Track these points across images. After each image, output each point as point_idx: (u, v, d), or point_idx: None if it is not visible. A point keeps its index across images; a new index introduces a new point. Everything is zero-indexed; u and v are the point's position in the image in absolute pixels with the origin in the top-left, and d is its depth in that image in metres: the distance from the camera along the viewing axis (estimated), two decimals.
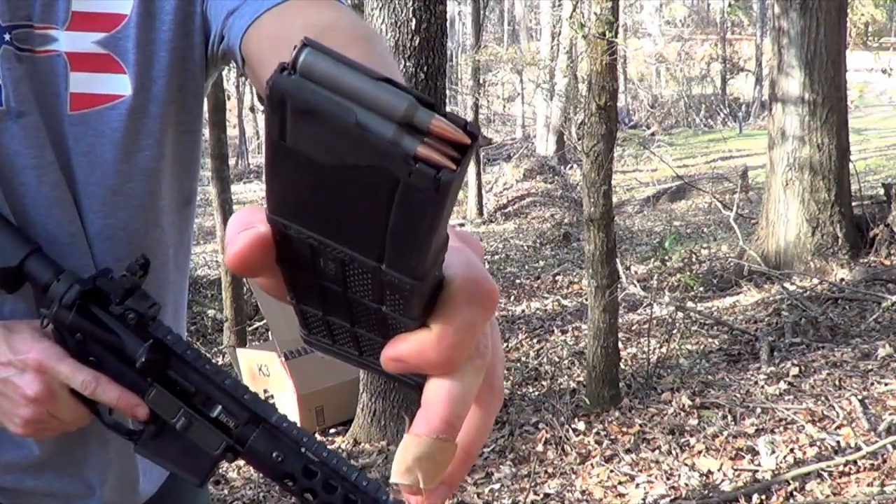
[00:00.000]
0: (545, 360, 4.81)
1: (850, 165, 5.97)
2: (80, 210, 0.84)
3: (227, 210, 5.28)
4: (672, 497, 2.94)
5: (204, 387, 0.77)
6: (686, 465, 3.14)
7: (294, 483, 0.73)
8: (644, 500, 2.94)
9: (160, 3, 0.83)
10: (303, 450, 0.74)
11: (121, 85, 0.82)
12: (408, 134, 0.29)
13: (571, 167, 15.32)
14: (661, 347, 4.61)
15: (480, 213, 12.40)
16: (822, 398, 3.60)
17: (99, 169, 0.84)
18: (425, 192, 0.29)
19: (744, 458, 3.14)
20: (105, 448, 0.93)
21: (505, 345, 5.20)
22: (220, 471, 3.67)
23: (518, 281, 7.49)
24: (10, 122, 0.80)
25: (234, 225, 0.35)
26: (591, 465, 3.24)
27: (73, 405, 0.79)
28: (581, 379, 4.21)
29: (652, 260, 6.78)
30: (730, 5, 22.98)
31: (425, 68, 3.55)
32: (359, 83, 0.29)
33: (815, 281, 5.46)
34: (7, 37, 0.79)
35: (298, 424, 0.76)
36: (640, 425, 3.52)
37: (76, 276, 0.78)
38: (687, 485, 2.99)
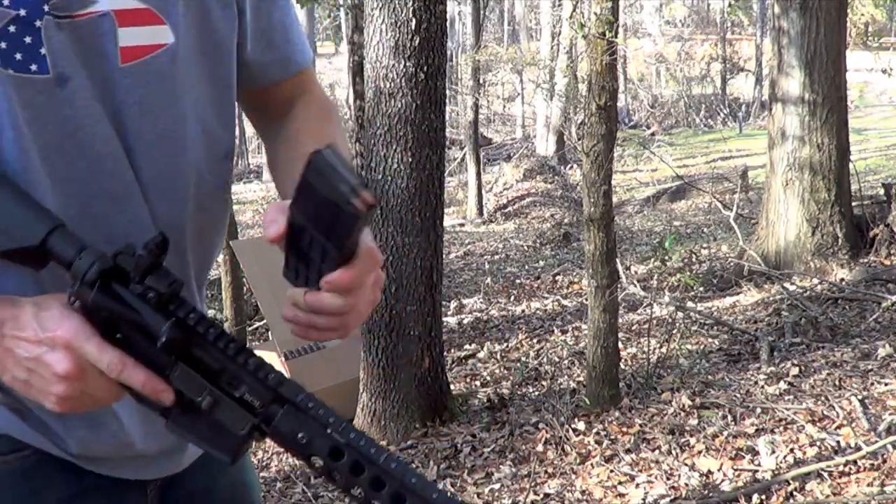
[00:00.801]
0: (545, 360, 4.81)
1: (850, 165, 5.97)
2: (132, 160, 0.89)
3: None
4: (672, 497, 2.94)
5: (228, 366, 0.77)
6: (686, 465, 3.14)
7: (322, 463, 0.74)
8: (644, 500, 2.94)
9: None
10: (329, 431, 0.74)
11: (162, 35, 0.89)
12: (353, 194, 0.69)
13: (571, 167, 15.32)
14: (661, 347, 4.61)
15: (480, 213, 12.40)
16: (822, 398, 3.60)
17: (150, 115, 0.89)
18: (353, 217, 0.70)
19: (744, 458, 3.14)
20: None
21: (505, 345, 5.20)
22: None
23: (518, 281, 7.49)
24: (58, 89, 0.83)
25: (270, 215, 0.79)
26: (591, 465, 3.24)
27: (103, 383, 0.80)
28: (581, 379, 4.21)
29: (652, 260, 6.78)
30: (730, 5, 22.97)
31: (425, 68, 3.55)
32: (342, 173, 0.70)
33: (815, 281, 5.46)
34: (46, 7, 0.82)
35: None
36: (640, 425, 3.52)
37: (98, 254, 0.79)
38: (687, 485, 2.99)
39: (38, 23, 0.82)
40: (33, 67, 0.82)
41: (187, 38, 0.90)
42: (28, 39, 0.82)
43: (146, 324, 0.77)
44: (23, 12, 0.81)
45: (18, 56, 0.81)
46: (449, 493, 0.81)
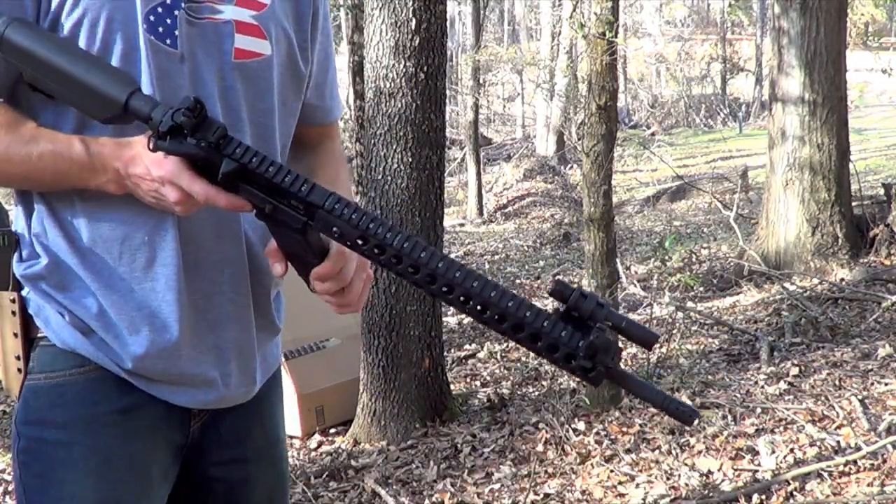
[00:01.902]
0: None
1: (850, 165, 5.97)
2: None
3: None
4: (672, 497, 2.94)
5: (273, 184, 1.00)
6: (686, 465, 3.14)
7: (356, 249, 0.99)
8: (644, 500, 2.94)
9: (285, 4, 1.21)
10: (352, 224, 0.98)
11: (264, 47, 1.18)
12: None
13: (571, 167, 15.32)
14: (661, 347, 4.61)
15: (480, 213, 12.40)
16: (822, 398, 3.60)
17: (247, 102, 1.17)
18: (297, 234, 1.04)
19: (744, 458, 3.14)
20: (240, 334, 1.19)
21: (505, 345, 5.20)
22: None
23: (518, 281, 7.49)
24: (181, 63, 1.11)
25: (271, 257, 1.12)
26: (591, 465, 3.24)
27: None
28: None
29: (652, 260, 6.79)
30: (730, 5, 22.98)
31: (425, 68, 3.55)
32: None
33: (815, 281, 5.45)
34: (183, 4, 1.11)
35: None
36: (640, 425, 3.52)
37: (164, 111, 1.00)
38: (687, 485, 2.99)
39: (177, 11, 1.10)
40: (168, 41, 1.09)
41: (279, 56, 1.20)
42: (168, 21, 1.10)
43: (212, 162, 1.00)
44: (168, 1, 1.09)
45: (161, 29, 1.09)
46: (448, 261, 0.97)
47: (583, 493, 3.05)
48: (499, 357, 4.96)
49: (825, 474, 2.91)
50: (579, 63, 12.75)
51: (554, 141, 16.52)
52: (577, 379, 1.00)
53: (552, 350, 0.94)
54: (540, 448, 3.43)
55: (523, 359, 4.85)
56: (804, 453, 3.10)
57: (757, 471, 3.03)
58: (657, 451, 3.26)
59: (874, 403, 3.50)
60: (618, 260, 4.02)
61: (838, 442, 3.14)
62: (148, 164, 1.03)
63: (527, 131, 20.29)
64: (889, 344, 4.13)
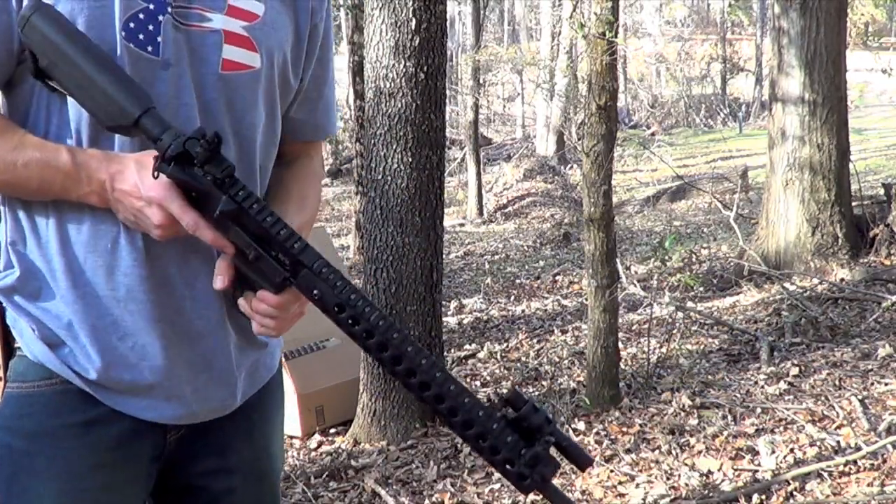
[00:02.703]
0: (545, 360, 4.81)
1: (850, 165, 5.96)
2: None
3: None
4: (672, 497, 2.94)
5: (266, 233, 1.02)
6: (686, 465, 3.14)
7: (331, 315, 1.01)
8: (644, 500, 2.94)
9: (280, 17, 1.18)
10: (335, 291, 1.01)
11: (254, 60, 1.15)
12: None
13: (571, 167, 15.32)
14: (661, 347, 4.61)
15: (480, 213, 12.39)
16: (822, 398, 3.60)
17: (231, 114, 1.14)
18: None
19: (744, 458, 3.14)
20: (215, 348, 1.17)
21: (505, 345, 5.20)
22: None
23: (518, 281, 7.49)
24: (162, 70, 1.08)
25: (218, 269, 1.12)
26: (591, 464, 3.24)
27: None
28: (581, 379, 4.21)
29: (652, 260, 6.78)
30: (730, 5, 22.98)
31: (425, 68, 3.55)
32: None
33: (815, 281, 5.45)
34: (169, 10, 1.08)
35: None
36: (640, 425, 3.52)
37: (176, 134, 1.01)
38: (687, 485, 2.99)
39: (161, 17, 1.08)
40: (149, 49, 1.07)
41: (268, 70, 1.17)
42: (151, 27, 1.07)
43: (209, 197, 1.01)
44: (151, 6, 1.07)
45: (141, 36, 1.07)
46: (427, 356, 1.00)
47: (583, 493, 3.05)
48: (499, 357, 4.96)
49: (825, 474, 2.91)
50: (579, 63, 12.75)
51: (554, 141, 16.51)
52: (508, 481, 1.00)
53: (494, 452, 0.98)
54: None
55: (523, 359, 4.85)
56: (804, 453, 3.10)
57: (757, 471, 3.03)
58: (657, 451, 3.26)
59: (874, 403, 3.50)
60: (618, 260, 4.01)
61: (838, 442, 3.14)
62: (138, 182, 1.03)
63: (527, 131, 20.29)
64: (889, 344, 4.13)
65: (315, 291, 1.01)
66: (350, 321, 1.00)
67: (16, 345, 1.14)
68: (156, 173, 1.02)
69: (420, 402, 1.04)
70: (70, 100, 1.07)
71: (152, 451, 1.19)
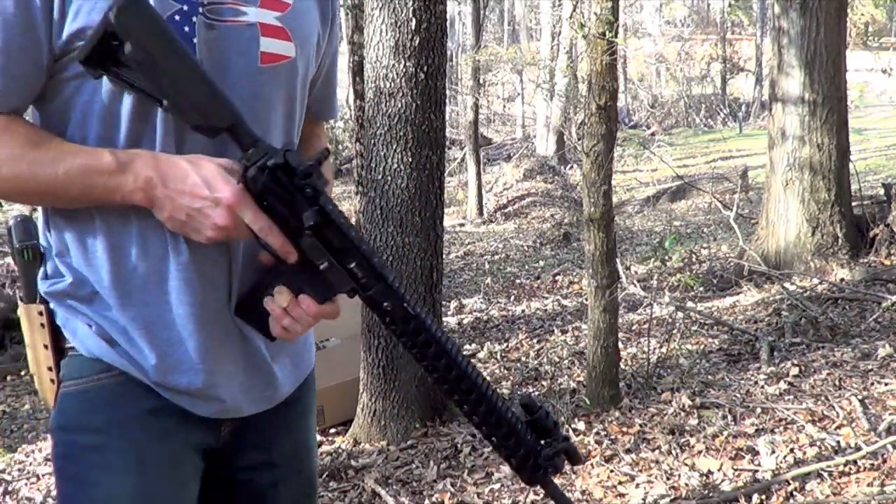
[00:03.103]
0: (545, 360, 4.81)
1: (850, 165, 5.96)
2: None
3: None
4: (672, 497, 2.94)
5: (348, 247, 1.07)
6: (686, 465, 3.14)
7: (395, 326, 1.09)
8: (644, 500, 2.94)
9: (307, 2, 1.20)
10: (405, 305, 1.08)
11: (289, 49, 1.16)
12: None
13: (571, 167, 15.32)
14: (661, 347, 4.61)
15: (480, 213, 12.39)
16: (822, 398, 3.60)
17: (272, 107, 1.15)
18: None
19: (744, 458, 3.14)
20: (251, 345, 1.19)
21: (505, 345, 5.20)
22: None
23: (518, 281, 7.49)
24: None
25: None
26: (591, 465, 3.24)
27: (244, 232, 1.07)
28: (581, 379, 4.21)
29: (652, 260, 6.78)
30: (730, 5, 22.98)
31: (425, 68, 3.54)
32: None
33: (815, 281, 5.45)
34: (201, 10, 1.07)
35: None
36: (640, 425, 3.52)
37: (268, 147, 1.05)
38: (687, 485, 2.99)
39: (194, 18, 1.07)
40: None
41: (301, 57, 1.18)
42: (186, 29, 1.06)
43: (297, 207, 1.05)
44: (185, 7, 1.06)
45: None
46: (469, 363, 1.12)
47: (583, 493, 3.05)
48: (499, 357, 4.96)
49: (825, 474, 2.91)
50: (579, 63, 12.75)
51: (554, 141, 16.51)
52: (515, 471, 1.15)
53: (518, 448, 1.13)
54: None
55: (523, 359, 4.85)
56: (804, 453, 3.10)
57: (757, 471, 3.03)
58: (657, 451, 3.26)
59: (874, 403, 3.50)
60: (618, 260, 4.01)
61: (838, 442, 3.14)
62: (200, 182, 1.03)
63: (527, 131, 20.28)
64: (889, 344, 4.12)
65: (386, 304, 1.08)
66: (420, 336, 1.09)
67: (67, 345, 1.14)
68: (241, 179, 1.03)
69: (466, 413, 1.13)
70: (129, 98, 1.05)
71: (211, 441, 1.21)
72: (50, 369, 1.15)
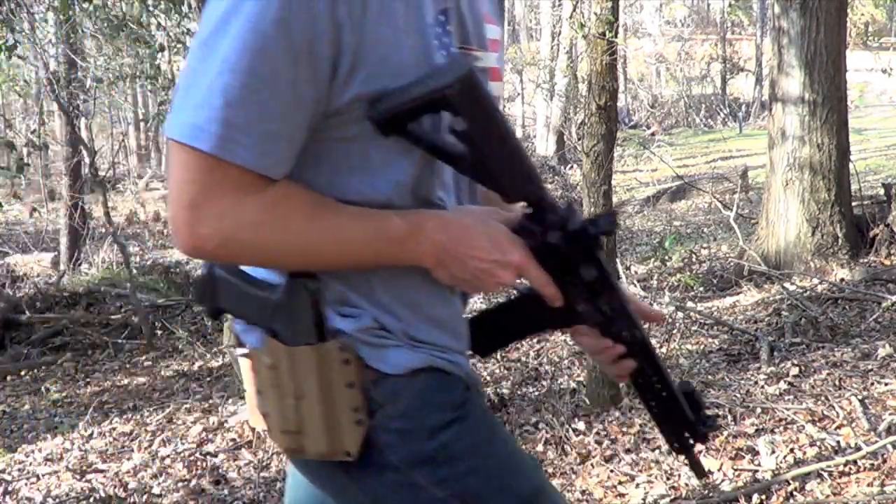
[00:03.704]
0: (545, 360, 4.81)
1: (850, 165, 5.97)
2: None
3: None
4: (672, 497, 2.94)
5: (608, 294, 1.14)
6: (686, 465, 3.13)
7: (625, 343, 1.19)
8: (644, 500, 2.94)
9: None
10: (635, 329, 1.19)
11: (500, 89, 1.18)
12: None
13: (571, 167, 15.32)
14: (661, 347, 4.61)
15: None
16: (822, 398, 3.60)
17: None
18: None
19: (744, 458, 3.14)
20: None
21: None
22: (220, 470, 3.67)
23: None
24: None
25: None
26: (591, 465, 3.24)
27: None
28: (581, 379, 4.21)
29: (652, 260, 6.79)
30: (730, 5, 23.00)
31: None
32: None
33: (815, 281, 5.45)
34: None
35: None
36: (640, 425, 3.52)
37: (556, 206, 1.09)
38: (687, 485, 2.99)
39: None
40: None
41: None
42: None
43: (580, 267, 1.11)
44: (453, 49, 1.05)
45: None
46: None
47: (583, 493, 3.05)
48: (498, 357, 4.96)
49: (825, 474, 2.91)
50: (579, 63, 12.76)
51: (554, 141, 16.52)
52: (682, 446, 1.35)
53: (689, 423, 1.31)
54: (540, 448, 3.43)
55: (523, 359, 4.85)
56: (804, 453, 3.10)
57: (757, 471, 3.03)
58: (657, 451, 3.26)
59: (874, 403, 3.50)
60: (618, 260, 4.02)
61: (838, 442, 3.14)
62: (490, 246, 1.06)
63: (527, 131, 20.29)
64: (889, 344, 4.13)
65: (624, 333, 1.18)
66: (648, 357, 1.24)
67: (372, 378, 1.07)
68: (538, 243, 1.08)
69: (649, 400, 1.31)
70: (419, 158, 1.04)
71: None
72: (356, 410, 1.06)
